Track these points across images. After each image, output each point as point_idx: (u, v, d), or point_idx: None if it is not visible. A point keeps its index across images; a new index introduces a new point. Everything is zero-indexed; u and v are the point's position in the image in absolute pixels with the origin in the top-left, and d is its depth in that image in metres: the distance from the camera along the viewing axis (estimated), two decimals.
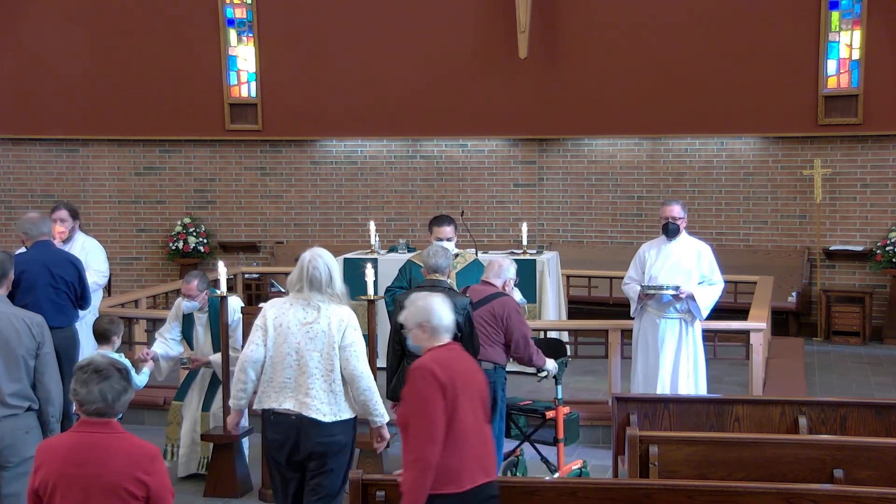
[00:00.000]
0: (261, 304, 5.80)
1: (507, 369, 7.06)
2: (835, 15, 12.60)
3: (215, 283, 7.79)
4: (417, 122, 13.74)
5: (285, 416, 5.27)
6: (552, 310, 10.20)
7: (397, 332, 6.38)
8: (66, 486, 3.76)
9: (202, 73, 14.05)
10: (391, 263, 9.31)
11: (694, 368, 8.07)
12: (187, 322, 7.57)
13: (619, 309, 10.04)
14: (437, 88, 13.59)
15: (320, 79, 13.84)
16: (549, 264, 10.26)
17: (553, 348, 7.43)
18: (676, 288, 7.89)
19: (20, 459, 5.32)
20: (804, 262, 12.79)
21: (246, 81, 14.16)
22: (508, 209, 13.94)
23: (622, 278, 8.43)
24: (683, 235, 8.17)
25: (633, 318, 8.31)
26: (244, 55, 14.14)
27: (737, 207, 13.22)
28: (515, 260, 7.78)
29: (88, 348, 7.35)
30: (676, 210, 8.12)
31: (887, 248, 12.26)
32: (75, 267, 7.53)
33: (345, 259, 10.18)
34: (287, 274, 5.59)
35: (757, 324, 8.79)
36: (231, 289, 10.37)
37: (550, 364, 7.05)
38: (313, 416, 5.23)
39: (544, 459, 7.13)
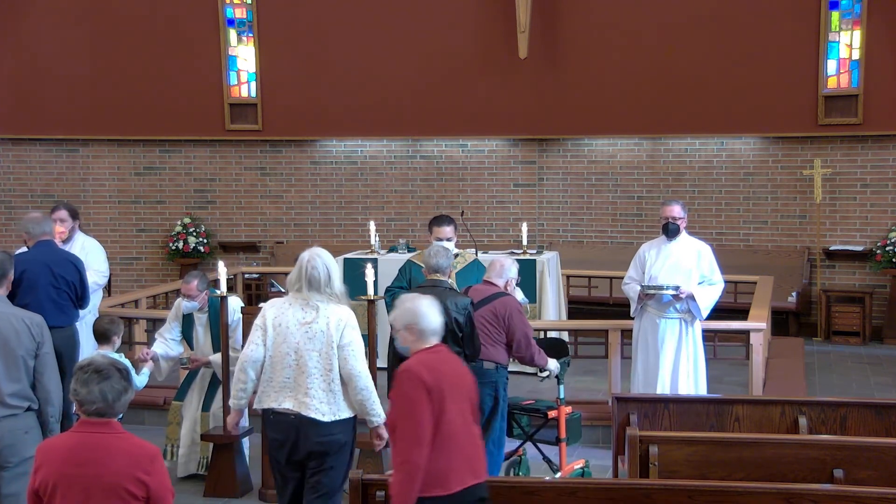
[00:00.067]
0: (261, 304, 5.80)
1: (508, 369, 7.07)
2: (835, 15, 12.60)
3: (215, 283, 7.79)
4: (417, 122, 13.74)
5: (285, 415, 5.29)
6: (552, 310, 10.19)
7: None
8: (66, 487, 3.76)
9: (202, 73, 14.05)
10: (391, 263, 9.30)
11: (694, 368, 8.07)
12: (187, 322, 7.57)
13: (619, 309, 10.04)
14: (437, 88, 13.59)
15: (320, 79, 13.84)
16: (549, 264, 10.26)
17: (555, 348, 7.42)
18: (676, 288, 7.88)
19: (20, 459, 5.32)
20: (804, 262, 12.78)
21: (246, 81, 14.16)
22: (508, 209, 13.93)
23: (622, 278, 8.43)
24: (683, 235, 8.16)
25: (633, 318, 8.31)
26: (244, 55, 14.13)
27: (737, 207, 13.22)
28: (515, 260, 7.77)
29: (88, 348, 7.36)
30: (676, 210, 8.12)
31: (887, 248, 12.25)
32: (76, 267, 7.53)
33: (345, 259, 10.17)
34: (287, 274, 5.59)
35: (757, 324, 8.79)
36: (231, 289, 10.37)
37: (552, 364, 7.05)
38: (312, 415, 5.24)
39: (546, 459, 7.14)
